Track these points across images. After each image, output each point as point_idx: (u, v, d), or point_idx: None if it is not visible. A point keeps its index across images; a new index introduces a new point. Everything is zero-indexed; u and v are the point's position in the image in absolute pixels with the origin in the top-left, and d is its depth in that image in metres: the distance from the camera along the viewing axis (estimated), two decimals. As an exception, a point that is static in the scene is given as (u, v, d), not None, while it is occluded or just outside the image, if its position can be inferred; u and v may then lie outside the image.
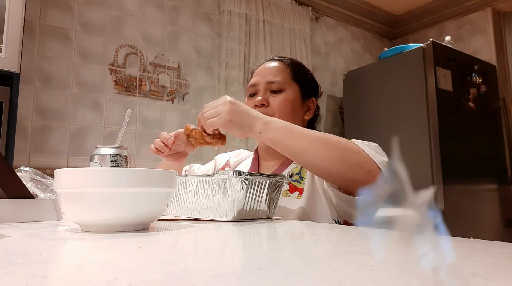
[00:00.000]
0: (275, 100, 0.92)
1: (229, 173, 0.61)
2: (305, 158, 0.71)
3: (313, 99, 1.00)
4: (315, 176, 0.84)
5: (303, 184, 0.86)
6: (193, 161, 1.83)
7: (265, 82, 0.94)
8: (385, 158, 0.71)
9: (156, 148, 0.89)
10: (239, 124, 0.73)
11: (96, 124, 2.03)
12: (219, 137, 0.82)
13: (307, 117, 0.99)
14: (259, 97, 0.93)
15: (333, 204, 0.79)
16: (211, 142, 0.82)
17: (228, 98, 0.76)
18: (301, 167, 0.90)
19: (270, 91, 0.93)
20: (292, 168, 0.92)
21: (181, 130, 0.88)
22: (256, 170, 0.98)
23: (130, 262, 0.28)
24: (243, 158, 1.07)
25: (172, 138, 0.86)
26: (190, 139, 0.85)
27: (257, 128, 0.73)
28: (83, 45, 2.03)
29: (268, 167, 0.97)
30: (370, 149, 0.71)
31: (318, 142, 0.70)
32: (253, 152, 1.06)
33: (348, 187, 0.73)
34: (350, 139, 0.74)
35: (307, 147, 0.70)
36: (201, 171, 1.11)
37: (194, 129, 0.83)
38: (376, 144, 0.75)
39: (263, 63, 1.01)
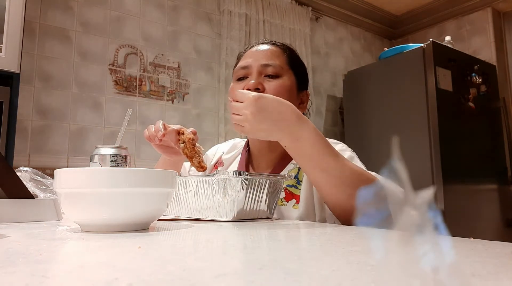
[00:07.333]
0: (271, 85, 0.81)
1: (229, 173, 0.61)
2: (322, 193, 0.66)
3: (307, 91, 0.92)
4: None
5: (300, 189, 0.77)
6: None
7: (259, 65, 0.83)
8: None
9: (149, 135, 0.83)
10: (265, 134, 0.63)
11: (96, 124, 2.03)
12: (201, 167, 0.74)
13: (301, 111, 0.92)
14: (253, 81, 0.81)
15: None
16: (193, 163, 0.74)
17: (252, 96, 0.62)
18: (299, 169, 0.81)
19: (264, 76, 0.83)
20: (289, 170, 0.82)
21: (177, 127, 0.79)
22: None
23: (130, 262, 0.28)
24: (236, 154, 0.98)
25: (162, 131, 0.77)
26: (180, 143, 0.76)
27: (284, 142, 0.64)
28: (83, 45, 2.03)
29: (260, 170, 0.89)
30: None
31: (343, 185, 0.62)
32: (244, 143, 0.95)
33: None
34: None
35: (329, 186, 0.63)
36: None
37: (189, 140, 0.74)
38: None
39: (255, 45, 0.91)
